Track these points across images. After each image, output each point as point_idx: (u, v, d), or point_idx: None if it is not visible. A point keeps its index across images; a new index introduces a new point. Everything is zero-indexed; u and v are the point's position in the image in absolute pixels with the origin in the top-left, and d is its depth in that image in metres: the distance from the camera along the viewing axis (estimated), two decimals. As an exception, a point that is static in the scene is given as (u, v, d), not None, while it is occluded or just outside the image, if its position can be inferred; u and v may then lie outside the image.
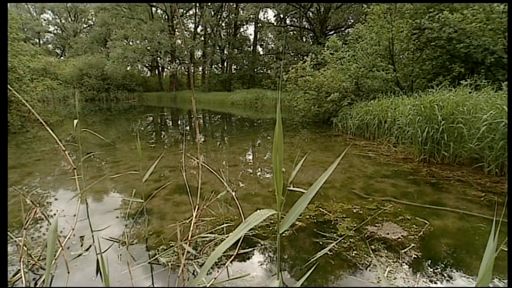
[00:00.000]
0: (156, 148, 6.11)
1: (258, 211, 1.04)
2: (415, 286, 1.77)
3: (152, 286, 1.77)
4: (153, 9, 26.63)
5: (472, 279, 1.84)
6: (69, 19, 34.88)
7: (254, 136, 8.08)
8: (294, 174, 2.33)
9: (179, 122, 12.81)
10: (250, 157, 5.77)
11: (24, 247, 1.89)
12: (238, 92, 21.04)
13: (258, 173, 4.49)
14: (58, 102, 20.86)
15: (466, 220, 2.66)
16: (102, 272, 1.42)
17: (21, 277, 1.60)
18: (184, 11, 28.03)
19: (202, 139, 7.29)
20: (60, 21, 35.27)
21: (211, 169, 2.75)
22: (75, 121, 2.85)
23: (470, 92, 4.72)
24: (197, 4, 26.05)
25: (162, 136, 8.45)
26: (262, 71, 28.41)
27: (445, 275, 1.89)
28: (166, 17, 26.06)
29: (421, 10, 7.47)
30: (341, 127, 7.96)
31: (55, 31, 36.36)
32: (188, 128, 10.53)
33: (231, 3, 27.28)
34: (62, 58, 31.50)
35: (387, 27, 8.00)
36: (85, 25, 35.78)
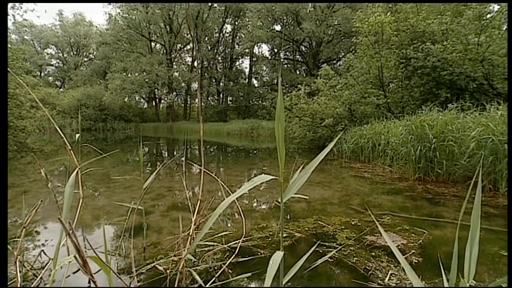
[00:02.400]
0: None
1: (262, 174, 1.08)
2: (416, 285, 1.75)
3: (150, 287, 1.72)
4: (152, 43, 27.89)
5: (474, 280, 1.83)
6: (71, 53, 36.18)
7: (250, 165, 8.08)
8: (292, 181, 2.36)
9: (175, 153, 12.76)
10: (246, 182, 5.77)
11: (19, 256, 1.84)
12: (234, 122, 21.39)
13: (254, 194, 4.49)
14: (55, 131, 20.91)
15: (464, 230, 2.66)
16: (105, 272, 1.40)
17: (16, 278, 1.55)
18: (182, 46, 29.37)
19: (198, 170, 7.25)
20: (63, 55, 36.55)
21: (212, 175, 2.77)
22: (77, 135, 2.90)
23: (457, 113, 4.94)
24: (195, 39, 27.39)
25: (157, 166, 8.38)
26: (257, 103, 29.16)
27: (445, 277, 1.87)
28: (165, 50, 27.22)
29: (406, 42, 8.01)
30: (336, 152, 8.08)
31: (56, 64, 37.51)
32: (183, 159, 10.48)
33: (228, 39, 28.78)
34: (61, 89, 32.14)
35: (376, 57, 8.50)
36: (86, 59, 37.05)
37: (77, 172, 1.08)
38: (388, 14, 8.35)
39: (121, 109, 26.40)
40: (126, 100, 27.18)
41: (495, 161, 3.74)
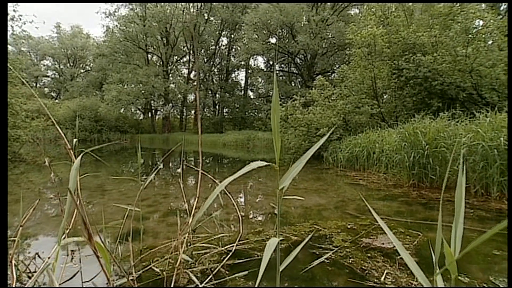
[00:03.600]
0: (148, 188, 6.04)
1: (259, 161, 1.12)
2: (415, 286, 1.77)
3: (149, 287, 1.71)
4: (149, 55, 28.18)
5: (468, 278, 1.86)
6: (68, 65, 36.30)
7: (245, 176, 8.05)
8: (287, 184, 2.39)
9: (170, 164, 12.65)
10: (241, 194, 5.77)
11: (14, 256, 1.82)
12: (229, 133, 21.42)
13: (251, 204, 4.50)
14: (49, 142, 20.72)
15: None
16: (106, 269, 1.40)
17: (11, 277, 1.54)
18: (179, 58, 29.71)
19: (193, 182, 7.19)
20: (59, 66, 36.65)
21: (210, 176, 2.78)
22: (74, 140, 2.91)
23: (448, 120, 5.06)
24: (191, 52, 27.77)
25: (153, 178, 8.26)
26: (253, 114, 29.31)
27: (441, 275, 1.90)
28: (161, 62, 27.49)
29: (398, 53, 8.25)
30: (332, 160, 8.14)
31: (52, 76, 37.54)
32: (179, 170, 10.36)
33: (224, 51, 29.23)
34: (57, 100, 32.07)
35: (370, 68, 8.72)
36: (82, 70, 37.17)
37: (80, 157, 1.10)
38: (380, 27, 8.63)
39: (116, 120, 26.34)
40: (122, 111, 27.17)
41: (486, 166, 3.82)
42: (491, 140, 3.85)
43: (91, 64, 34.87)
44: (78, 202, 0.70)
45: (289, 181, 1.07)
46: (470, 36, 7.36)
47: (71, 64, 36.46)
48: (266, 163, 1.08)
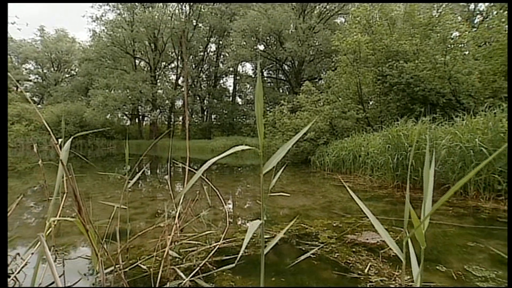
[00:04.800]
0: (135, 192, 5.97)
1: (243, 145, 1.16)
2: (411, 285, 1.84)
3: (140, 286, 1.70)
4: (137, 61, 27.96)
5: (445, 267, 1.94)
6: (52, 69, 35.45)
7: (234, 181, 8.07)
8: (273, 182, 2.44)
9: (157, 171, 12.45)
10: (230, 197, 5.78)
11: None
12: (218, 139, 21.41)
13: (238, 208, 4.52)
14: (30, 148, 20.05)
15: (437, 228, 2.82)
16: (100, 269, 1.40)
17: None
18: (167, 64, 29.60)
19: (181, 188, 7.12)
20: (42, 70, 35.73)
21: (194, 171, 2.79)
22: (60, 140, 2.87)
23: (430, 123, 5.27)
24: (179, 57, 27.75)
25: (139, 185, 8.11)
26: (241, 120, 29.42)
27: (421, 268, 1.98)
28: (149, 68, 27.32)
29: (381, 60, 8.55)
30: (319, 164, 8.27)
31: (35, 80, 36.52)
32: (167, 176, 10.22)
33: (212, 57, 29.36)
34: (39, 105, 31.18)
35: (355, 74, 8.99)
36: (67, 75, 36.37)
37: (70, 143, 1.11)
38: (365, 35, 8.94)
39: (103, 125, 25.83)
40: (108, 116, 26.70)
41: (464, 167, 4.00)
42: (467, 142, 4.04)
43: (77, 69, 34.22)
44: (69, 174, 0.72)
45: (273, 165, 1.11)
46: (448, 45, 7.74)
47: (55, 69, 35.65)
48: (249, 147, 1.12)
